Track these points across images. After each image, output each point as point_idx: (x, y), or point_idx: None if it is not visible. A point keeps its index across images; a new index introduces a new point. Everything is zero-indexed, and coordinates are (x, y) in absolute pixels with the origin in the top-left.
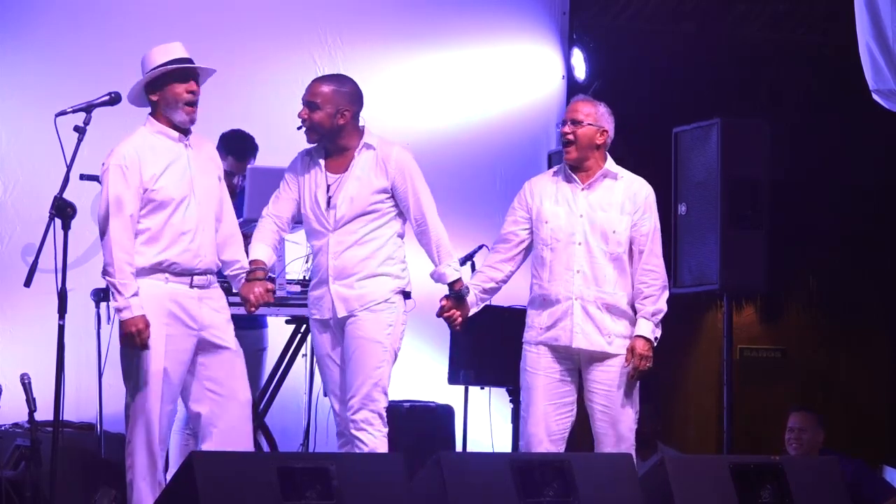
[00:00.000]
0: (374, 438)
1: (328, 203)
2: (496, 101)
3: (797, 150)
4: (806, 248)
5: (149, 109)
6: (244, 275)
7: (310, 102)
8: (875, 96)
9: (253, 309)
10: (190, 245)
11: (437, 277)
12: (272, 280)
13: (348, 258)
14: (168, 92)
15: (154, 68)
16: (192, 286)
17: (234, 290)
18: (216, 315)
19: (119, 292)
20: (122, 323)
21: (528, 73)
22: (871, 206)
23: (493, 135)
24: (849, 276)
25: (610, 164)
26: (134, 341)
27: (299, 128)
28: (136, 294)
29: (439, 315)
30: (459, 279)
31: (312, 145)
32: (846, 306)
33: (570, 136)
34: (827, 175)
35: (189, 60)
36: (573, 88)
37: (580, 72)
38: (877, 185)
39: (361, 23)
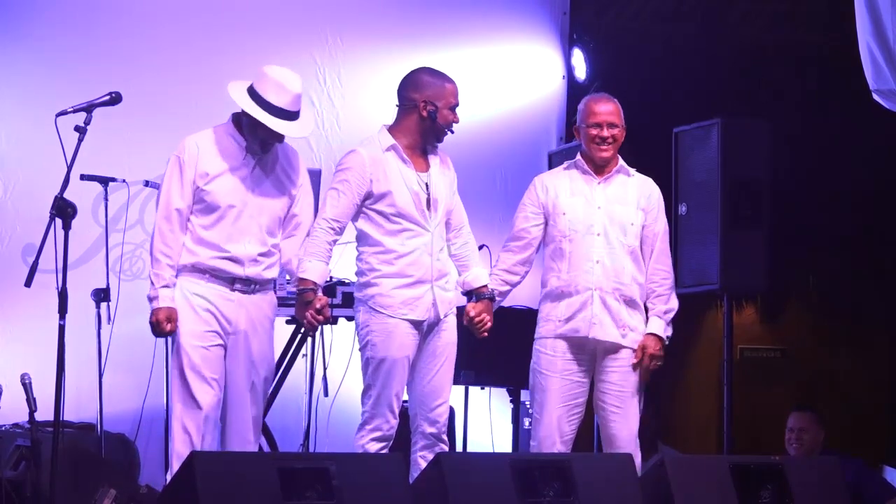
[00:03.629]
0: None
1: (428, 202)
2: (496, 101)
3: (797, 150)
4: (806, 248)
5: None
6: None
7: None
8: (875, 96)
9: (312, 331)
10: (233, 253)
11: (472, 279)
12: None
13: (444, 260)
14: (255, 127)
15: (257, 97)
16: (232, 289)
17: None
18: (252, 323)
19: (151, 282)
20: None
21: (528, 73)
22: (872, 205)
23: (493, 135)
24: (849, 276)
25: (621, 160)
26: (155, 331)
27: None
28: (166, 286)
29: (469, 320)
30: (487, 284)
31: (363, 140)
32: (846, 306)
33: (611, 140)
34: (827, 175)
35: (294, 115)
36: (573, 88)
37: (580, 72)
38: (877, 185)
39: (362, 23)
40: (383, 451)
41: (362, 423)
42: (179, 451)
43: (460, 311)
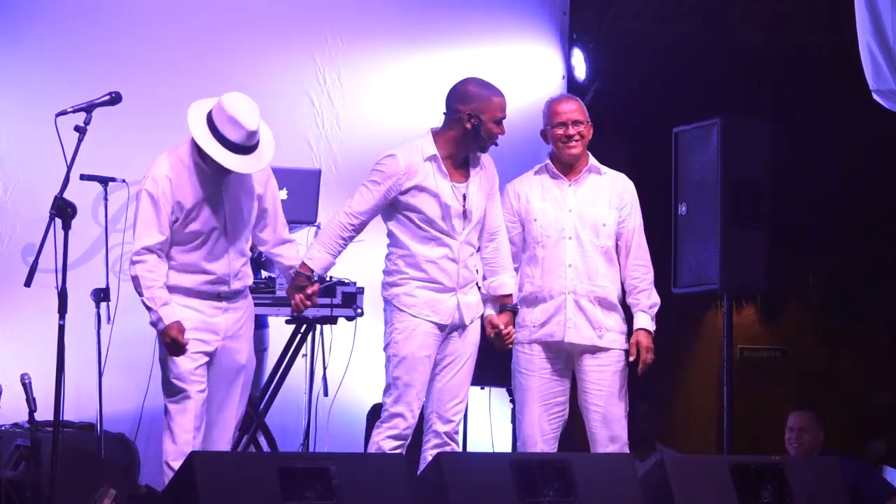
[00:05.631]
0: None
1: (463, 213)
2: None
3: (797, 150)
4: (806, 247)
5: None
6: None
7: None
8: (875, 96)
9: (296, 313)
10: (217, 273)
11: (497, 286)
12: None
13: (471, 267)
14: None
15: (214, 130)
16: (219, 300)
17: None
18: (239, 327)
19: (149, 308)
20: (158, 335)
21: (528, 73)
22: (871, 205)
23: None
24: (849, 275)
25: (592, 159)
26: (172, 350)
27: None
28: (166, 304)
29: (496, 333)
30: (512, 294)
31: (399, 146)
32: (846, 306)
33: (577, 137)
34: (827, 175)
35: (249, 149)
36: (573, 88)
37: (580, 72)
38: (877, 185)
39: (362, 23)
40: (398, 450)
41: (381, 420)
42: (171, 451)
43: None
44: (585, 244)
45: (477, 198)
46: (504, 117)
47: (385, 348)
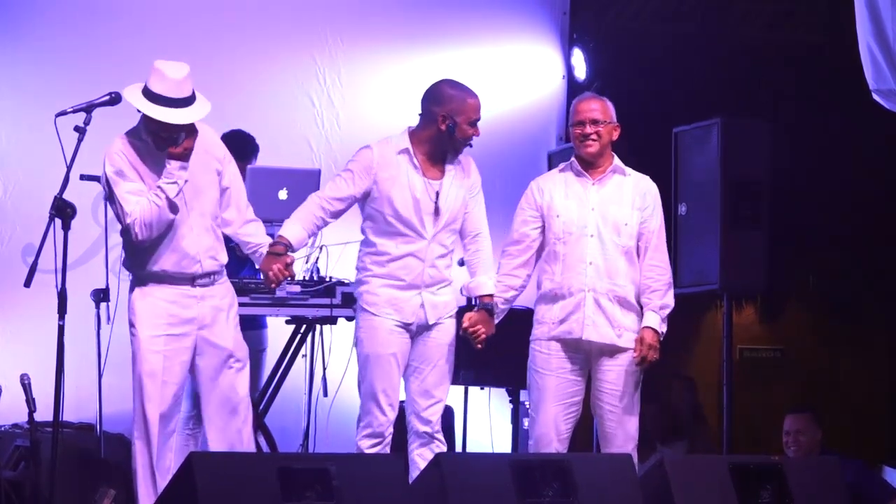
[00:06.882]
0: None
1: (435, 210)
2: (496, 101)
3: (797, 150)
4: (806, 248)
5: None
6: (263, 251)
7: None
8: (875, 96)
9: (273, 285)
10: (186, 252)
11: (474, 286)
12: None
13: (439, 266)
14: (148, 122)
15: (146, 91)
16: (194, 285)
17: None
18: (217, 314)
19: (170, 189)
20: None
21: (528, 73)
22: (871, 205)
23: (493, 135)
24: (849, 276)
25: (617, 160)
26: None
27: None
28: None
29: (463, 330)
30: (493, 294)
31: (377, 139)
32: (846, 306)
33: (594, 136)
34: (827, 175)
35: (180, 102)
36: (573, 88)
37: (580, 72)
38: (877, 184)
39: (362, 23)
40: (376, 448)
41: (357, 420)
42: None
43: (462, 313)
44: (607, 243)
45: (451, 197)
46: (478, 119)
47: (354, 346)
